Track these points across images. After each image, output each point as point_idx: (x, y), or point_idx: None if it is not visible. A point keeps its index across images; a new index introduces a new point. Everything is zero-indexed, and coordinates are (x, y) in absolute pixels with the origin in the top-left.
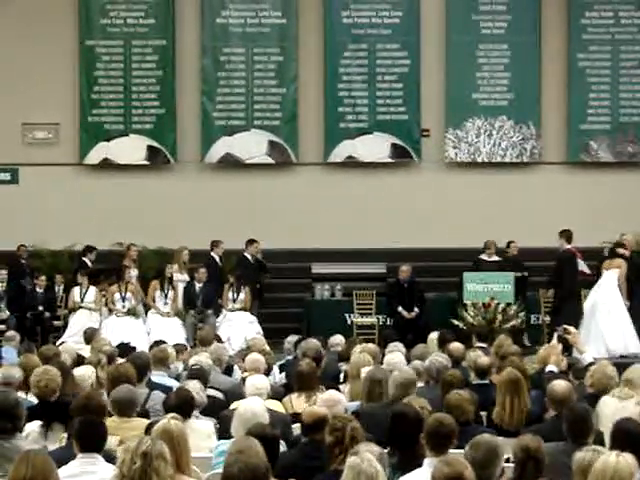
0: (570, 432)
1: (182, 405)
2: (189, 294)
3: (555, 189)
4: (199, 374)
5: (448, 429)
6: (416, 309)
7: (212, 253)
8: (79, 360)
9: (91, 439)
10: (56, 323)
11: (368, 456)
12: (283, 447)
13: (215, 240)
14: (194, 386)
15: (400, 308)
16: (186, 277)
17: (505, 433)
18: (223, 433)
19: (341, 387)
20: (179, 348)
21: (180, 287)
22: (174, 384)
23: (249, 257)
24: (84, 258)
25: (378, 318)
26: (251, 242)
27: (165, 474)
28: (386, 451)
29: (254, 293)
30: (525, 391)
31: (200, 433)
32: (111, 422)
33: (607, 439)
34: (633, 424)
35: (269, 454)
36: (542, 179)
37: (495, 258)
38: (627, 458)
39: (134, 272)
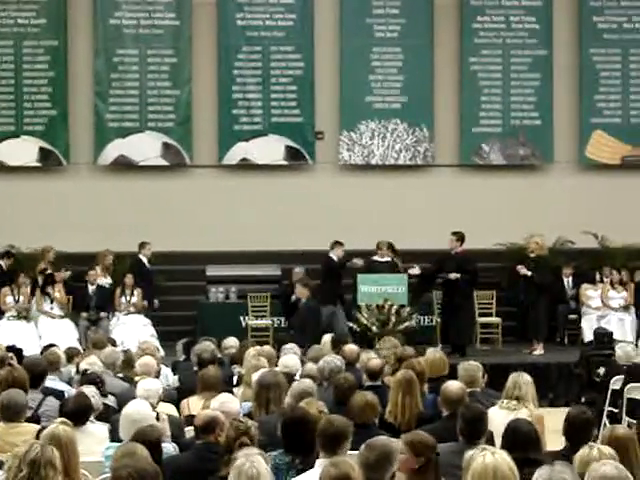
0: (464, 432)
1: (79, 410)
2: (82, 296)
3: (447, 191)
4: (95, 379)
5: (337, 430)
6: None
7: (140, 255)
8: None
9: None
10: None
11: (253, 458)
12: (174, 449)
13: (143, 242)
14: (90, 391)
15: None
16: (109, 280)
17: (397, 433)
18: (115, 437)
19: (235, 390)
20: (72, 352)
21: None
22: (66, 388)
23: (144, 260)
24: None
25: (272, 320)
26: (143, 245)
27: None
28: (276, 453)
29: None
30: (418, 392)
31: (95, 437)
32: None
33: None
34: (524, 424)
35: (153, 457)
36: (435, 181)
37: (387, 259)
38: (503, 455)
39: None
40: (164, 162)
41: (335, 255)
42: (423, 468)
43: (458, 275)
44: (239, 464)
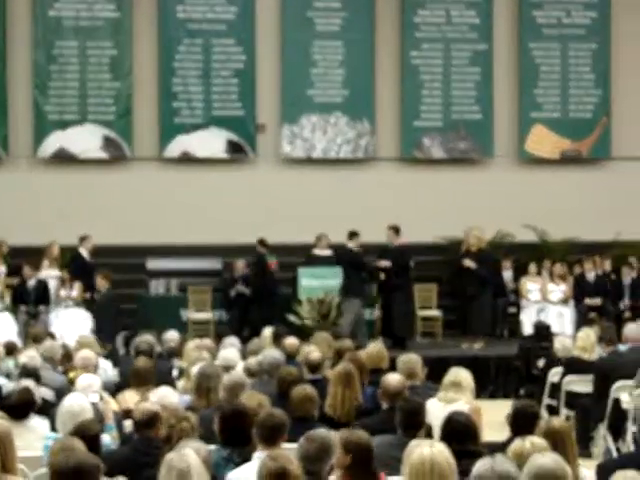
0: (402, 424)
1: (22, 404)
2: (22, 290)
3: (389, 185)
4: (32, 372)
5: (278, 423)
6: None
7: (80, 248)
8: None
9: None
10: None
11: (184, 451)
12: (112, 442)
13: (83, 235)
14: (28, 385)
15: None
16: (57, 273)
17: (337, 426)
18: (54, 431)
19: (176, 383)
20: (10, 345)
21: (52, 283)
22: (3, 382)
23: (84, 253)
24: None
25: (213, 313)
26: (83, 238)
27: None
28: (213, 447)
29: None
30: (357, 385)
31: (36, 433)
32: None
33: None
34: (462, 417)
35: (91, 451)
36: (376, 175)
37: (327, 252)
38: (440, 448)
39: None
40: (104, 155)
41: (353, 245)
42: (355, 464)
43: (388, 263)
44: (168, 459)
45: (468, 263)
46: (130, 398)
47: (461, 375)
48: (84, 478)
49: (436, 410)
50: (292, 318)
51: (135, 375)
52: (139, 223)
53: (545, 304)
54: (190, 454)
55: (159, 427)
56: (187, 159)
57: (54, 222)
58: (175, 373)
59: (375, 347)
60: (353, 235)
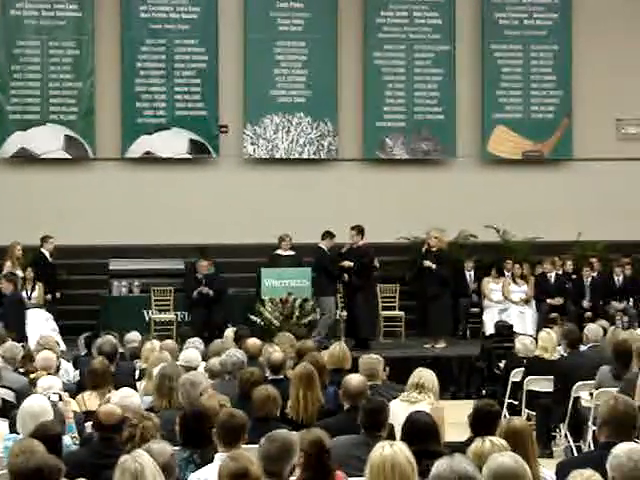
0: (365, 423)
1: None
2: None
3: (352, 185)
4: None
5: (239, 423)
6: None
7: (42, 249)
8: None
9: None
10: None
11: (137, 452)
12: (72, 443)
13: (45, 235)
14: None
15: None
16: (20, 273)
17: (299, 427)
18: (14, 433)
19: (137, 384)
20: None
21: None
22: None
23: (46, 254)
24: None
25: (176, 314)
26: (46, 238)
27: None
28: (177, 448)
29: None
30: (318, 386)
31: None
32: None
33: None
34: (423, 416)
35: (52, 453)
36: (339, 175)
37: (290, 252)
38: (401, 447)
39: None
40: (66, 155)
41: (325, 246)
42: (310, 461)
43: (351, 263)
44: (122, 461)
45: (428, 264)
46: (89, 399)
47: (425, 376)
48: None
49: (399, 411)
50: (254, 318)
51: (92, 375)
52: (101, 223)
53: (507, 304)
54: (144, 455)
55: (123, 430)
56: (150, 159)
57: (16, 222)
58: (137, 374)
59: (337, 347)
60: (326, 235)
